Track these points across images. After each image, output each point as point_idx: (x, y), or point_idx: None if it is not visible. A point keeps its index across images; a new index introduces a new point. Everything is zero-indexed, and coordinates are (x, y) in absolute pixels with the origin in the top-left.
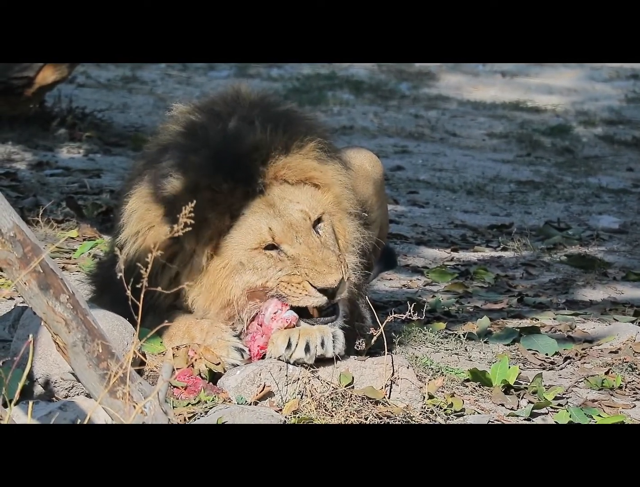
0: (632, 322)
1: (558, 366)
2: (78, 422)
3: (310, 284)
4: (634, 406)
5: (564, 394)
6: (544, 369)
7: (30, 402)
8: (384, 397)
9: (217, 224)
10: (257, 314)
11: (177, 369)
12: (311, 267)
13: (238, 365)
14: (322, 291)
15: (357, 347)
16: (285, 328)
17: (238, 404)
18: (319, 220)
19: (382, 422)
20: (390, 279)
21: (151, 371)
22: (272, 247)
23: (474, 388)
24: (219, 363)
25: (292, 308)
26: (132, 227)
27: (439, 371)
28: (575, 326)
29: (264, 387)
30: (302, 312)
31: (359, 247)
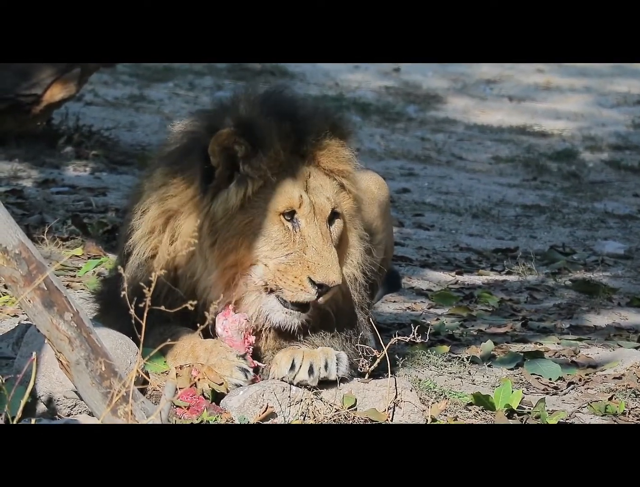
0: (636, 348)
1: (561, 391)
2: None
3: (310, 278)
4: None
5: (567, 419)
6: (547, 393)
7: (33, 420)
8: (387, 420)
9: (265, 179)
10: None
11: (180, 388)
12: (316, 260)
13: (241, 385)
14: (319, 285)
15: (361, 369)
16: (238, 328)
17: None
18: (334, 216)
19: None
20: (395, 302)
21: (154, 390)
22: (292, 215)
23: (477, 412)
24: (222, 383)
25: (283, 302)
26: (145, 226)
27: (442, 394)
28: (579, 351)
29: (266, 408)
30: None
31: (361, 260)
